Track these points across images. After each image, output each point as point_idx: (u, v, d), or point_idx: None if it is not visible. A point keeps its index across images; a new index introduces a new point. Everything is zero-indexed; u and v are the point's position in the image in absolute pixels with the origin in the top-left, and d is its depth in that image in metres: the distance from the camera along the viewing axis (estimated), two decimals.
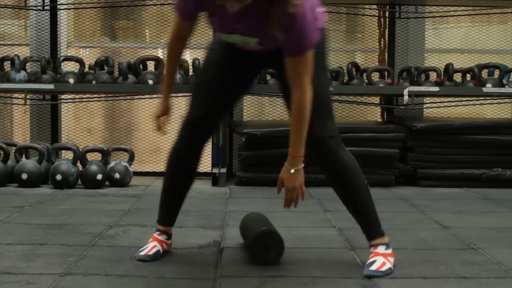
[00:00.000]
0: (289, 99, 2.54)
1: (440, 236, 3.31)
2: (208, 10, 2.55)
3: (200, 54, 6.10)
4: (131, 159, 5.03)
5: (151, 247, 2.76)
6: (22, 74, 5.11)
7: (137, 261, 2.69)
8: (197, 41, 6.30)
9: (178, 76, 5.11)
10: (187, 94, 5.44)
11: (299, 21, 2.35)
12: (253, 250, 2.69)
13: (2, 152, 4.88)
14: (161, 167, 5.68)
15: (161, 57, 5.48)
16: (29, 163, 4.80)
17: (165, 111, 2.80)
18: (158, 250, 2.76)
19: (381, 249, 2.65)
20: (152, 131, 6.13)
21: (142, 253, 2.73)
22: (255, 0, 2.31)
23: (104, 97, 5.80)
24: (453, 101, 5.77)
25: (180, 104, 6.13)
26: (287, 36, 2.37)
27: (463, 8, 6.02)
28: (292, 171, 2.53)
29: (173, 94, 5.59)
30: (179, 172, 2.79)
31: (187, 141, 2.74)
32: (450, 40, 6.46)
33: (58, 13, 5.99)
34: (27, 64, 5.35)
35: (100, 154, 4.96)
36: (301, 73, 2.45)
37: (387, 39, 6.11)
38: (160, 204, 2.86)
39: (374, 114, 6.33)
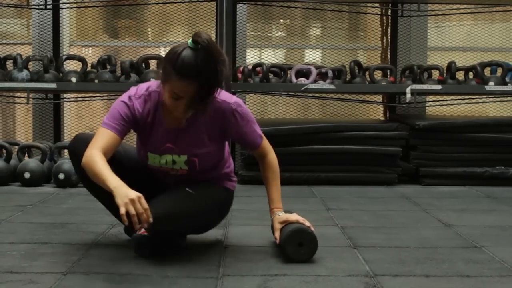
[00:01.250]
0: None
1: (442, 234, 3.31)
2: (143, 129, 2.68)
3: None
4: None
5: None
6: (24, 73, 5.11)
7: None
8: None
9: None
10: None
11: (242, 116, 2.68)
12: (286, 247, 2.70)
13: (4, 151, 4.88)
14: None
15: (163, 56, 5.47)
16: (32, 162, 4.81)
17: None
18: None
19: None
20: None
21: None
22: (195, 115, 2.58)
23: (107, 96, 5.80)
24: (455, 99, 5.77)
25: None
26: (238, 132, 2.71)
27: (465, 6, 6.02)
28: (281, 214, 2.77)
29: None
30: None
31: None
32: (452, 38, 6.45)
33: (60, 12, 6.00)
34: (30, 63, 5.36)
35: None
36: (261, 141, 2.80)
37: (389, 37, 6.11)
38: None
39: (376, 112, 6.33)
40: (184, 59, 2.44)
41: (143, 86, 2.70)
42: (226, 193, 2.88)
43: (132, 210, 2.32)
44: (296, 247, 2.68)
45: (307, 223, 2.72)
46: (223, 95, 2.66)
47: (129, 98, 2.65)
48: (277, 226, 2.76)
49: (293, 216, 2.76)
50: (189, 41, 2.48)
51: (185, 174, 2.74)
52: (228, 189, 2.88)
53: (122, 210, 2.31)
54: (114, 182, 2.40)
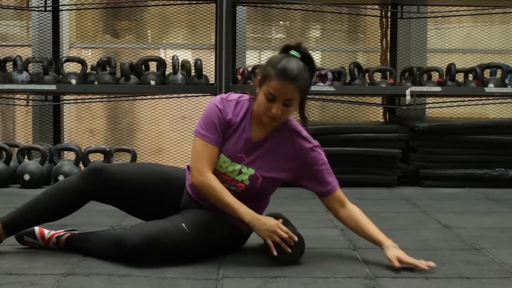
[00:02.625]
0: None
1: (442, 236, 3.31)
2: (227, 131, 2.72)
3: (202, 55, 6.11)
4: (133, 159, 5.03)
5: None
6: (24, 75, 5.11)
7: None
8: (200, 42, 6.32)
9: (180, 76, 5.11)
10: (189, 95, 5.46)
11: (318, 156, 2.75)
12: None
13: (4, 153, 4.88)
14: None
15: (163, 57, 5.47)
16: (32, 164, 4.80)
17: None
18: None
19: None
20: (154, 131, 6.14)
21: None
22: (279, 135, 2.71)
23: (106, 97, 5.81)
24: (455, 101, 5.77)
25: (182, 105, 6.15)
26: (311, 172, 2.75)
27: (465, 8, 6.02)
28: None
29: (175, 95, 5.61)
30: None
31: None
32: (452, 40, 6.46)
33: (60, 14, 6.00)
34: (29, 65, 5.36)
35: (102, 155, 4.95)
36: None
37: (389, 39, 6.11)
38: None
39: (376, 114, 6.33)
40: (285, 62, 2.57)
41: (235, 94, 2.79)
42: (233, 232, 2.81)
43: (278, 240, 2.59)
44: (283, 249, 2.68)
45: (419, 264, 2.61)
46: (306, 134, 2.77)
47: (221, 100, 2.73)
48: (398, 255, 2.63)
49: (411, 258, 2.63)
50: (292, 51, 2.62)
51: (240, 191, 2.72)
52: (239, 229, 2.81)
53: (270, 242, 2.59)
54: (248, 215, 2.62)
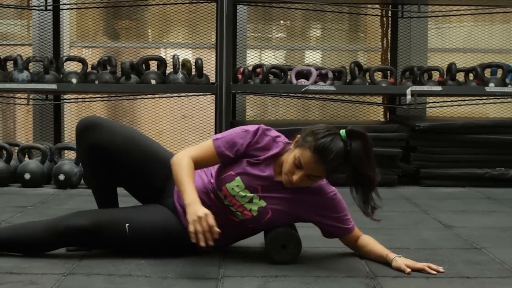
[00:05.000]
0: None
1: (443, 235, 3.31)
2: (251, 156, 2.67)
3: (203, 54, 6.11)
4: None
5: None
6: (25, 74, 5.11)
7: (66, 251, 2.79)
8: (200, 41, 6.32)
9: (181, 76, 5.11)
10: (189, 94, 5.46)
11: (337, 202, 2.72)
12: (270, 250, 2.70)
13: (5, 152, 4.88)
14: None
15: (164, 57, 5.47)
16: (32, 163, 4.81)
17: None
18: None
19: None
20: (154, 131, 6.14)
21: None
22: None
23: (107, 97, 5.80)
24: (455, 101, 5.77)
25: (183, 104, 6.15)
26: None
27: (465, 7, 6.02)
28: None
29: (175, 94, 5.61)
30: None
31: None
32: (452, 39, 6.45)
33: (60, 13, 6.00)
34: (30, 64, 5.35)
35: None
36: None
37: (389, 38, 6.11)
38: None
39: (376, 113, 6.33)
40: (327, 141, 2.49)
41: (275, 132, 2.73)
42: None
43: (199, 228, 2.45)
44: (280, 248, 2.68)
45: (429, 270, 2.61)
46: (325, 182, 2.73)
47: (259, 130, 2.67)
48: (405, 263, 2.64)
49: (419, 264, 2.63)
50: (343, 131, 2.54)
51: (244, 219, 2.69)
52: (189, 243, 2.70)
53: (191, 228, 2.45)
54: (189, 197, 2.52)
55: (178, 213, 2.73)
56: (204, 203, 2.58)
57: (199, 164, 2.66)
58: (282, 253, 2.68)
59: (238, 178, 2.66)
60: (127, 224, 2.66)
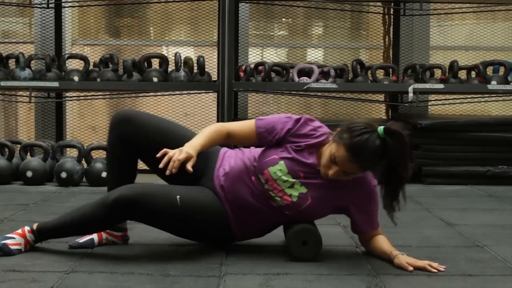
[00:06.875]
0: None
1: (445, 233, 3.31)
2: (293, 142, 2.67)
3: (205, 51, 6.11)
4: None
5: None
6: (27, 72, 5.12)
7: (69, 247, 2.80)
8: (202, 39, 6.31)
9: (182, 73, 5.11)
10: (191, 92, 5.46)
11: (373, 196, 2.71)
12: (290, 246, 2.70)
13: (7, 149, 4.89)
14: None
15: (166, 54, 5.47)
16: (34, 161, 4.81)
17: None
18: (92, 239, 2.85)
19: None
20: None
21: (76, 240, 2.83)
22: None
23: (109, 94, 5.81)
24: (458, 99, 5.77)
25: (185, 102, 6.15)
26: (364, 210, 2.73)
27: (467, 5, 6.02)
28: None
29: (177, 92, 5.61)
30: None
31: None
32: (455, 37, 6.45)
33: (62, 10, 6.00)
34: (32, 62, 5.36)
35: (105, 152, 4.96)
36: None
37: (391, 36, 6.10)
38: None
39: (378, 111, 6.33)
40: (363, 139, 2.46)
41: (318, 122, 2.71)
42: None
43: (172, 154, 2.50)
44: (300, 245, 2.68)
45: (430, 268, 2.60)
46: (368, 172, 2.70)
47: (301, 119, 2.68)
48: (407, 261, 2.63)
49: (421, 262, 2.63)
50: (381, 128, 2.49)
51: (283, 204, 2.67)
52: (231, 232, 2.78)
53: (166, 151, 2.52)
54: (192, 141, 2.59)
55: (219, 196, 2.73)
56: (243, 185, 2.66)
57: (234, 137, 2.69)
58: (303, 250, 2.68)
59: (282, 162, 2.65)
60: (178, 196, 2.63)
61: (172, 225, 2.70)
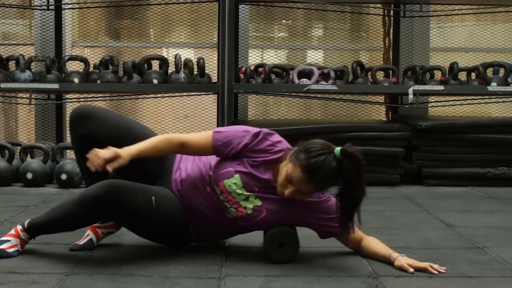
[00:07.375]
0: None
1: (445, 235, 3.31)
2: (251, 157, 2.66)
3: (205, 53, 6.11)
4: None
5: (84, 236, 2.87)
6: (27, 74, 5.12)
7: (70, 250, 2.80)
8: (202, 41, 6.32)
9: (182, 75, 5.11)
10: (191, 93, 5.46)
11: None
12: (268, 249, 2.70)
13: (7, 151, 4.89)
14: None
15: (166, 56, 5.47)
16: (34, 163, 4.81)
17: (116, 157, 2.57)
18: (91, 239, 2.86)
19: None
20: (156, 130, 6.14)
21: (75, 243, 2.84)
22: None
23: (109, 96, 5.81)
24: (458, 100, 5.76)
25: (185, 104, 6.15)
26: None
27: (467, 6, 6.02)
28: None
29: (177, 94, 5.61)
30: None
31: None
32: (455, 38, 6.45)
33: (62, 12, 6.00)
34: (32, 63, 5.36)
35: None
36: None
37: (391, 38, 6.10)
38: None
39: (378, 113, 6.33)
40: (320, 161, 2.47)
41: (278, 136, 2.71)
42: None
43: (98, 152, 2.51)
44: (278, 247, 2.68)
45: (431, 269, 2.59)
46: None
47: (260, 134, 2.67)
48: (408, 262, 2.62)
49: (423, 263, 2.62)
50: (338, 149, 2.48)
51: (237, 216, 2.68)
52: (188, 232, 2.80)
53: (96, 151, 2.52)
54: (134, 145, 2.60)
55: (178, 199, 2.74)
56: (199, 194, 2.67)
57: (189, 148, 2.67)
58: (280, 252, 2.68)
59: (237, 176, 2.66)
60: (153, 197, 2.64)
61: (141, 225, 2.71)
